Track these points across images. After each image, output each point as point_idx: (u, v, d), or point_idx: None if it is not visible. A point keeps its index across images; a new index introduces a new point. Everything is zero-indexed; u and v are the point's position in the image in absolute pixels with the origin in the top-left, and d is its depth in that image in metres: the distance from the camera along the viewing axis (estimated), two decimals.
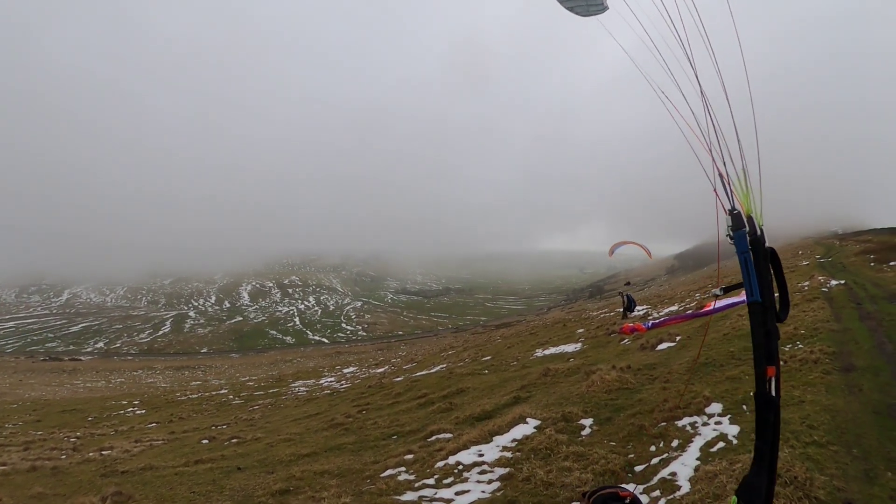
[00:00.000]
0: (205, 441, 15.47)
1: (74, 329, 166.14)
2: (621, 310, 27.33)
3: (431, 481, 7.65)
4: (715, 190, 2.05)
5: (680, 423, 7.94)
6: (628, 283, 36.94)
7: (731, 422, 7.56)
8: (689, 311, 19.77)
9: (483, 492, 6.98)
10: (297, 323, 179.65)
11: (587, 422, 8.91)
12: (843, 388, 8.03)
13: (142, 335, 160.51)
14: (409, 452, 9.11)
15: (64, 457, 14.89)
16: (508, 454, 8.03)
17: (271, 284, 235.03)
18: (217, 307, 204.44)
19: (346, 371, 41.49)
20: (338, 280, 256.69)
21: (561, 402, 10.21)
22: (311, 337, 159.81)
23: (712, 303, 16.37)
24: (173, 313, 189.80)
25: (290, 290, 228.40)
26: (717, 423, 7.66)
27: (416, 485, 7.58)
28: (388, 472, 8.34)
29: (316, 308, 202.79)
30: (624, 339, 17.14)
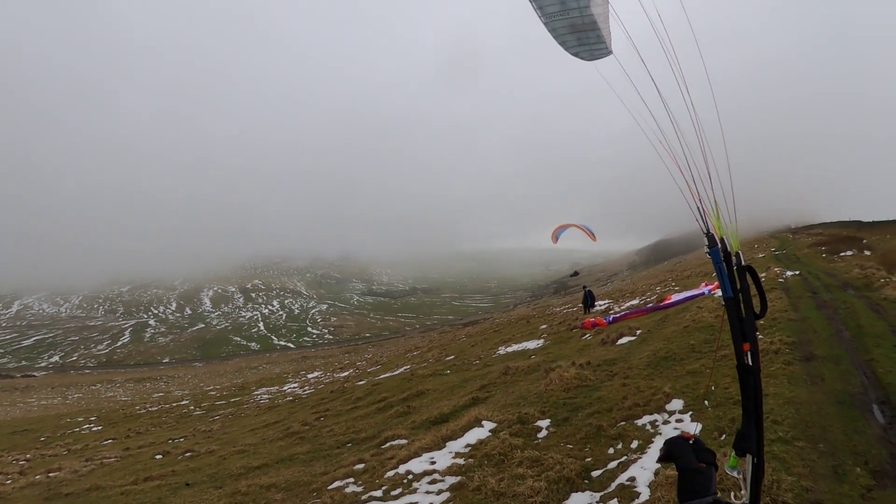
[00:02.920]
0: (159, 456, 15.05)
1: (26, 343, 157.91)
2: (581, 305, 27.38)
3: (379, 493, 7.32)
4: (697, 219, 2.61)
5: (640, 422, 7.70)
6: (576, 274, 36.96)
7: (693, 419, 7.36)
8: (650, 305, 19.93)
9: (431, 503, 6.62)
10: (262, 328, 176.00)
11: (544, 423, 8.68)
12: (805, 379, 7.94)
13: (100, 346, 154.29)
14: (361, 461, 8.83)
15: (9, 481, 14.25)
16: (461, 461, 7.75)
17: (234, 289, 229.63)
18: (178, 314, 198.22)
19: (310, 376, 40.63)
20: (302, 283, 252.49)
21: (519, 403, 10.03)
22: (276, 342, 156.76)
23: (672, 296, 16.05)
24: (132, 322, 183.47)
25: (253, 295, 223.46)
26: (678, 420, 7.45)
27: (363, 497, 7.30)
28: (336, 483, 8.05)
29: (281, 312, 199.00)
30: (585, 335, 17.12)
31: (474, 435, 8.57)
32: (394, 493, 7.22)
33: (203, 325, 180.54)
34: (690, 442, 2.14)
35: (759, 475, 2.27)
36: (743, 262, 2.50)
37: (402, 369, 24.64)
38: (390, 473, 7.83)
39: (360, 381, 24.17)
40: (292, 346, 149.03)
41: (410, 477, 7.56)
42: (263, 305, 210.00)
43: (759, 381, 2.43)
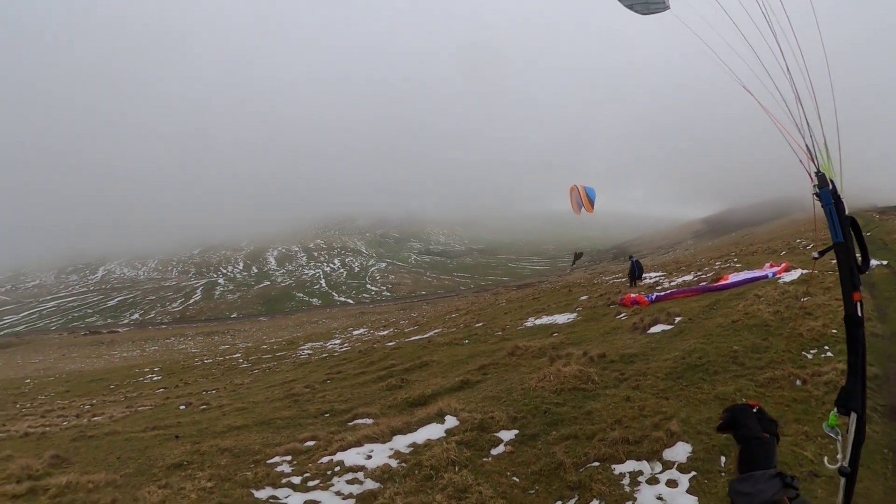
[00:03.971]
0: (182, 407, 15.98)
1: (111, 303, 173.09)
2: (626, 278, 26.02)
3: (298, 480, 7.12)
4: (801, 160, 2.47)
5: (618, 470, 6.10)
6: (578, 257, 31.15)
7: (691, 490, 5.53)
8: (703, 284, 18.49)
9: None
10: (323, 285, 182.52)
11: (507, 436, 7.53)
12: (888, 461, 5.49)
13: (174, 304, 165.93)
14: (314, 438, 8.67)
15: (65, 423, 15.41)
16: (393, 463, 7.16)
17: (297, 249, 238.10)
18: (245, 273, 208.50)
19: (354, 333, 41.74)
20: (363, 242, 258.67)
21: (499, 398, 9.11)
22: (336, 298, 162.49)
23: (730, 275, 14.90)
24: (203, 282, 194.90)
25: (315, 254, 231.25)
26: (671, 483, 5.70)
27: (283, 481, 7.09)
28: (276, 458, 7.94)
29: (341, 270, 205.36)
30: (621, 314, 16.04)
31: (427, 432, 7.92)
32: (310, 483, 6.98)
33: (268, 283, 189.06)
34: (755, 410, 2.08)
35: (861, 437, 2.18)
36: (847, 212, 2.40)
37: (430, 333, 24.85)
38: (325, 459, 7.53)
39: (390, 342, 24.54)
40: (351, 302, 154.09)
41: (337, 469, 7.19)
42: (325, 264, 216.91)
43: (863, 334, 2.32)
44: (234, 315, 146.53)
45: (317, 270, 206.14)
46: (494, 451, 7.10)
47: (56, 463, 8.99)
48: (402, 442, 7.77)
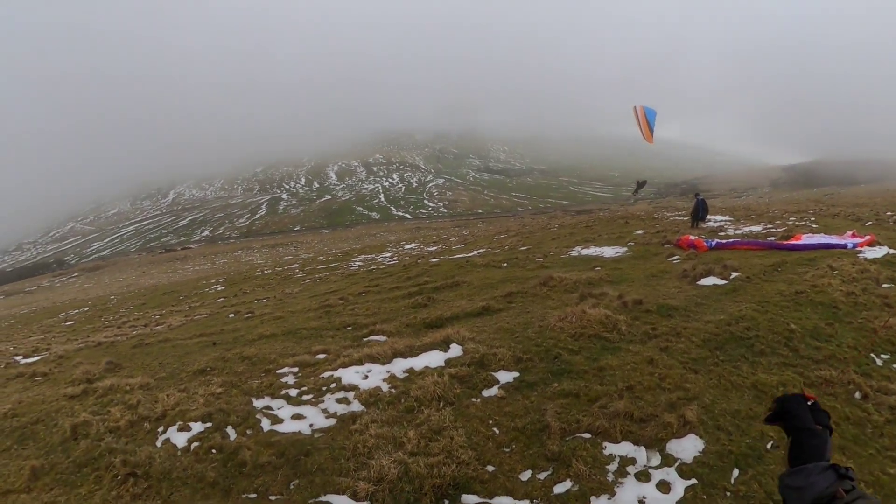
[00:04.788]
0: (231, 315, 17.05)
1: (182, 223, 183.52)
2: (689, 217, 24.34)
3: (294, 393, 7.36)
4: None
5: (608, 450, 5.37)
6: (641, 185, 26.95)
7: (690, 497, 4.77)
8: (771, 239, 16.70)
9: (309, 427, 6.40)
10: (382, 199, 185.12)
11: (505, 378, 7.02)
12: None
13: (241, 220, 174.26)
14: (325, 351, 8.92)
15: (134, 332, 16.86)
16: (385, 387, 7.09)
17: (357, 164, 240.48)
18: (307, 188, 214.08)
19: (406, 247, 42.44)
20: (421, 158, 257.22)
21: (512, 332, 8.61)
22: (395, 213, 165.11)
23: (803, 235, 13.17)
24: (267, 198, 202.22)
25: (374, 169, 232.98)
26: (662, 485, 4.91)
27: (282, 392, 7.37)
28: (285, 369, 8.28)
29: (400, 185, 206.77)
30: (674, 256, 14.91)
31: (427, 359, 7.75)
32: (304, 397, 7.15)
33: (329, 197, 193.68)
34: (809, 403, 1.96)
35: None
36: None
37: (474, 252, 24.81)
38: (325, 374, 7.70)
39: (434, 259, 24.74)
40: (409, 216, 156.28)
41: (333, 386, 7.30)
42: (384, 178, 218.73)
43: None
44: (297, 228, 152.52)
45: (376, 185, 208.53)
46: (486, 393, 6.73)
47: (110, 368, 10.07)
48: (400, 365, 7.71)
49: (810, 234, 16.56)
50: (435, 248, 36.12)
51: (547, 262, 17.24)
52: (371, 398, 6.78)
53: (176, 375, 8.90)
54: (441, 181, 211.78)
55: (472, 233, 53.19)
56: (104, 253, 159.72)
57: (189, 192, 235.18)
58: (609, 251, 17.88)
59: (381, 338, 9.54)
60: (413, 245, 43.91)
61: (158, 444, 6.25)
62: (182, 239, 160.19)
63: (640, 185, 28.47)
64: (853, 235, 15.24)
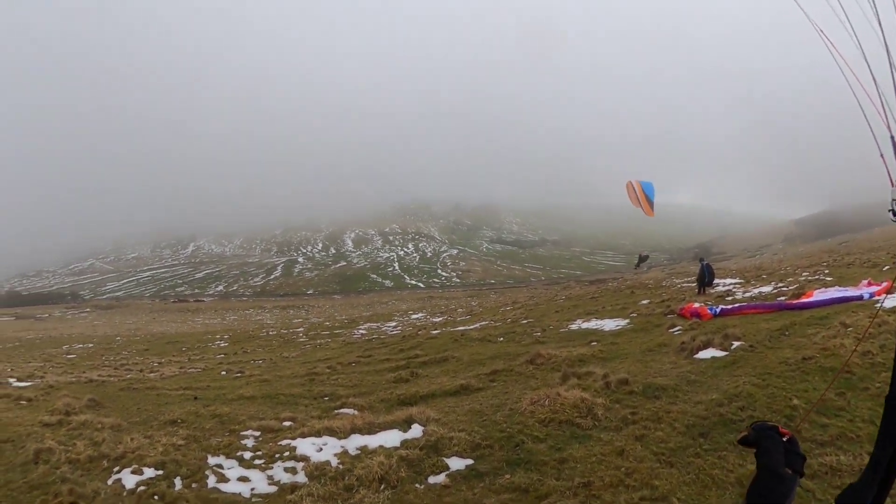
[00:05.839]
0: (223, 373, 17.49)
1: (199, 275, 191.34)
2: (695, 283, 23.80)
3: (248, 456, 7.53)
4: (882, 156, 1.97)
5: None
6: (643, 260, 25.54)
7: None
8: (781, 300, 15.81)
9: (249, 490, 6.49)
10: (396, 268, 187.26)
11: (455, 464, 6.67)
12: None
13: (256, 279, 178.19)
14: (293, 419, 9.02)
15: (128, 375, 17.63)
16: (334, 461, 7.02)
17: (373, 232, 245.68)
18: (323, 253, 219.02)
19: (412, 317, 42.22)
20: (436, 228, 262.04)
21: (480, 415, 8.31)
22: (408, 281, 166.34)
23: (815, 291, 12.11)
24: (284, 259, 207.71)
25: (390, 238, 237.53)
26: None
27: (237, 454, 7.53)
28: (248, 432, 8.47)
29: (414, 255, 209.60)
30: (676, 327, 14.16)
31: (384, 438, 7.61)
32: (255, 461, 7.31)
33: (344, 263, 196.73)
34: (784, 439, 1.73)
35: None
36: None
37: (475, 325, 24.70)
38: (284, 442, 7.79)
39: (435, 330, 24.58)
40: (422, 286, 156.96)
41: (286, 454, 7.40)
42: (399, 247, 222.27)
43: None
44: (311, 291, 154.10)
45: (391, 254, 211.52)
46: (431, 479, 6.39)
47: (91, 405, 10.78)
48: (356, 442, 7.61)
49: (823, 289, 15.50)
50: (440, 318, 35.91)
51: (544, 337, 16.86)
52: (317, 471, 6.75)
53: (148, 422, 9.37)
54: (455, 251, 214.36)
55: (481, 304, 52.92)
56: (119, 293, 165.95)
57: (208, 246, 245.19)
58: (610, 324, 17.39)
59: (351, 411, 9.52)
60: (420, 315, 43.71)
61: (109, 481, 6.57)
62: (196, 291, 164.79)
63: (643, 259, 28.10)
64: (869, 284, 14.41)
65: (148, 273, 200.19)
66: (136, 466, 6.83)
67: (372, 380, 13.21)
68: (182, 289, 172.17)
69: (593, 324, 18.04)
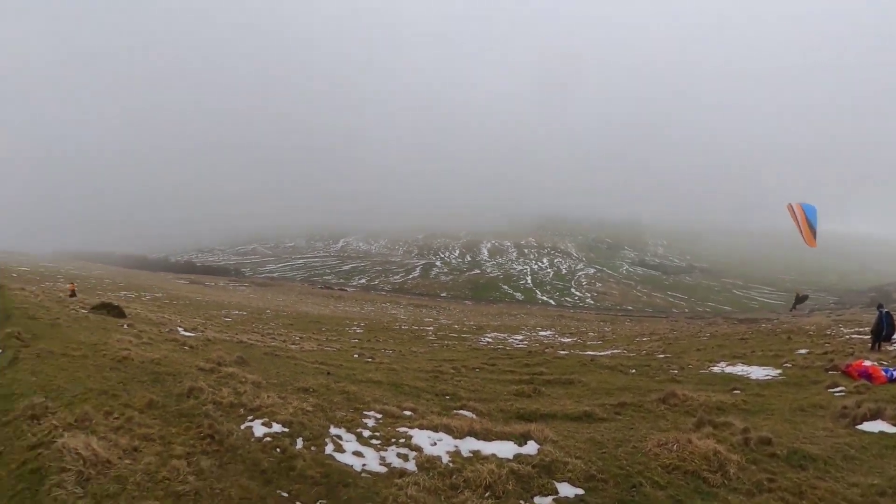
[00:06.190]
0: (355, 356, 19.15)
1: (345, 268, 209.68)
2: (869, 335, 20.23)
3: (367, 434, 7.90)
4: None
5: None
6: (801, 300, 21.28)
7: None
8: None
9: (361, 465, 6.80)
10: (529, 282, 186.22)
11: (564, 491, 6.33)
12: None
13: (395, 277, 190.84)
14: (413, 410, 9.57)
15: (273, 343, 20.35)
16: (445, 459, 7.07)
17: (509, 244, 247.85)
18: (459, 260, 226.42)
19: (540, 333, 41.92)
20: (573, 244, 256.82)
21: (600, 446, 7.83)
22: (539, 297, 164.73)
23: None
24: (422, 262, 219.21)
25: (525, 251, 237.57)
26: None
27: (356, 430, 8.07)
28: (371, 412, 9.08)
29: (548, 270, 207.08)
30: (839, 387, 12.01)
31: (498, 448, 7.49)
32: (372, 441, 7.69)
33: (478, 271, 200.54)
34: None
35: None
36: None
37: (607, 351, 23.92)
38: (401, 429, 8.16)
39: (563, 350, 24.29)
40: (553, 303, 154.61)
41: (402, 441, 7.65)
42: (534, 261, 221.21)
43: None
44: (444, 294, 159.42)
45: (525, 267, 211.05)
46: (537, 500, 6.20)
47: (238, 361, 12.52)
48: (470, 444, 7.68)
49: None
50: (569, 339, 35.25)
51: (680, 376, 15.49)
52: (427, 464, 6.89)
53: (284, 385, 10.51)
54: (591, 271, 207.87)
55: (615, 330, 50.70)
56: (274, 275, 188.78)
57: (356, 243, 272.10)
58: (758, 372, 15.62)
59: (470, 414, 9.74)
60: (548, 332, 43.19)
61: (242, 426, 7.43)
62: (341, 281, 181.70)
63: (800, 299, 24.83)
64: None
65: (301, 261, 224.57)
66: (267, 420, 7.71)
67: (493, 388, 13.40)
68: (329, 277, 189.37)
69: (739, 369, 16.46)
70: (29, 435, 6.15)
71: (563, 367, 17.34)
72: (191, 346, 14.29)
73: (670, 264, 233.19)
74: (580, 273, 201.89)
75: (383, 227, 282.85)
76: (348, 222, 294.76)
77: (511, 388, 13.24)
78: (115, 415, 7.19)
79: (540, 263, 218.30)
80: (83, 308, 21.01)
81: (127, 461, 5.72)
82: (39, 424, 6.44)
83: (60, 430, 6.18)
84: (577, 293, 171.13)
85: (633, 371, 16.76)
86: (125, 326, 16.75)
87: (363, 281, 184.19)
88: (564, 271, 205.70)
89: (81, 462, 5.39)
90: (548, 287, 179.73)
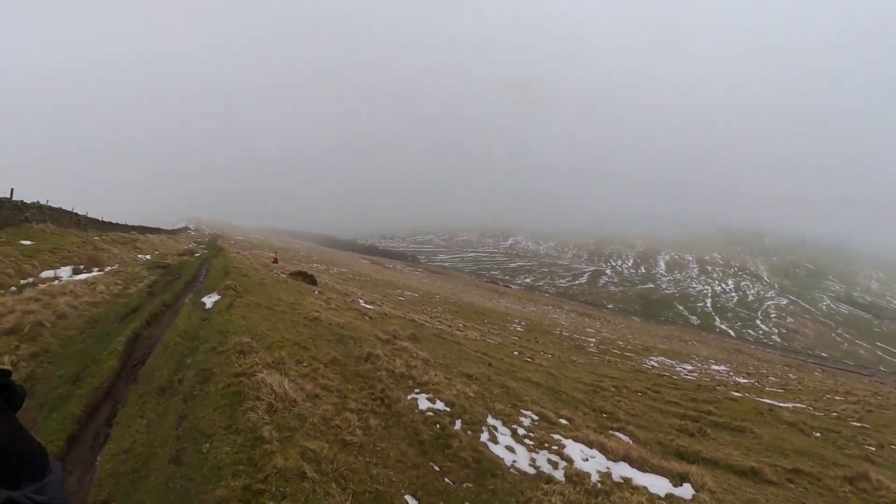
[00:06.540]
0: (515, 353, 19.84)
1: (512, 266, 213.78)
2: None
3: (522, 432, 8.24)
4: None
5: None
6: None
7: None
8: None
9: (511, 460, 6.94)
10: (708, 305, 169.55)
11: None
12: None
13: (561, 280, 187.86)
14: (569, 419, 9.67)
15: (440, 326, 21.92)
16: (595, 477, 7.02)
17: (690, 258, 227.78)
18: (632, 271, 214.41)
19: (712, 367, 38.55)
20: (766, 267, 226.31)
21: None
22: (717, 324, 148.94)
23: None
24: (592, 269, 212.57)
25: (708, 268, 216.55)
26: None
27: (512, 426, 8.40)
28: (527, 412, 9.40)
29: (732, 294, 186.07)
30: None
31: (651, 481, 7.29)
32: (525, 440, 7.84)
33: (652, 286, 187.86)
34: None
35: None
36: None
37: (789, 403, 21.07)
38: (555, 436, 8.31)
39: (736, 392, 22.07)
40: (732, 333, 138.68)
41: (554, 448, 7.81)
42: (717, 282, 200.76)
43: None
44: (611, 306, 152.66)
45: (705, 287, 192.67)
46: None
47: (411, 337, 13.91)
48: (622, 470, 7.60)
49: None
50: (745, 380, 31.75)
51: (878, 456, 12.94)
52: (576, 477, 6.94)
53: (449, 367, 11.36)
54: (783, 301, 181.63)
55: (801, 379, 44.00)
56: (445, 264, 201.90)
57: (525, 242, 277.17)
58: None
59: (626, 438, 9.57)
60: (722, 367, 39.48)
61: (408, 397, 8.27)
62: (507, 277, 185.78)
63: None
64: None
65: (471, 254, 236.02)
66: (432, 396, 8.47)
67: (655, 417, 12.92)
68: (495, 273, 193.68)
69: None
70: (236, 365, 7.55)
71: (735, 412, 15.85)
72: (370, 317, 16.03)
73: (886, 306, 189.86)
74: (769, 303, 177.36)
75: (553, 228, 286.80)
76: (519, 220, 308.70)
77: (674, 422, 12.66)
78: (304, 364, 8.47)
79: (723, 285, 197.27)
80: (283, 273, 24.68)
81: (308, 404, 6.72)
82: (244, 358, 7.87)
83: (260, 367, 7.48)
84: (763, 326, 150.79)
85: (818, 435, 14.59)
86: (316, 292, 19.30)
87: (528, 280, 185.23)
88: (751, 298, 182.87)
89: (273, 396, 6.51)
90: (729, 314, 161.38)
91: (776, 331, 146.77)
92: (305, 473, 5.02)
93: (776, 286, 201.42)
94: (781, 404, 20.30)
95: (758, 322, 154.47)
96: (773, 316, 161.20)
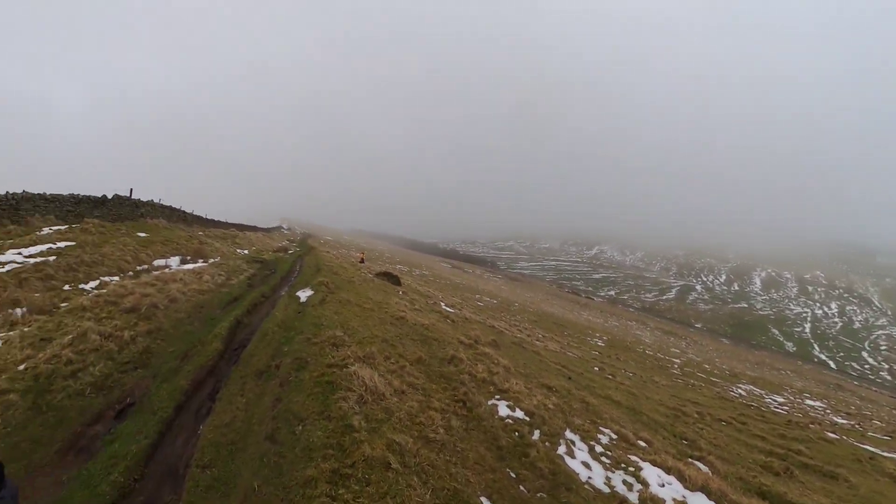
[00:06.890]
0: (595, 369, 19.59)
1: (596, 276, 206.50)
2: None
3: (600, 449, 8.28)
4: None
5: None
6: None
7: None
8: None
9: (587, 476, 7.03)
10: (806, 331, 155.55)
11: None
12: None
13: (647, 294, 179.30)
14: (648, 442, 9.57)
15: (520, 335, 21.90)
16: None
17: (789, 276, 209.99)
18: (724, 287, 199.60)
19: (807, 402, 35.77)
20: (877, 290, 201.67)
21: None
22: (816, 353, 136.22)
23: None
24: (681, 283, 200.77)
25: (809, 289, 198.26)
26: None
27: (590, 442, 8.46)
28: (606, 430, 9.37)
29: (836, 319, 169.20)
30: None
31: None
32: (603, 458, 7.90)
33: (745, 305, 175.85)
34: None
35: None
36: None
37: (895, 454, 19.18)
38: (633, 458, 8.35)
39: (833, 433, 20.37)
40: (832, 365, 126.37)
41: (630, 468, 7.86)
42: (818, 304, 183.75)
43: None
44: (699, 325, 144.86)
45: (805, 310, 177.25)
46: None
47: (492, 343, 14.04)
48: (699, 502, 7.53)
49: None
50: (844, 420, 29.09)
51: None
52: (650, 502, 7.02)
53: (529, 377, 11.51)
54: None
55: None
56: (525, 272, 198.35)
57: (611, 252, 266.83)
58: None
59: (706, 469, 9.32)
60: (818, 403, 36.40)
61: (489, 402, 8.59)
62: (589, 289, 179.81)
63: None
64: None
65: (553, 262, 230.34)
66: (512, 404, 8.68)
67: (738, 450, 12.33)
68: (577, 283, 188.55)
69: None
70: (329, 356, 8.17)
71: (829, 455, 14.66)
72: (452, 321, 16.42)
73: None
74: (879, 332, 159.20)
75: (641, 239, 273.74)
76: (604, 229, 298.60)
77: (758, 457, 12.03)
78: (392, 360, 8.98)
79: (826, 308, 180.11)
80: (369, 273, 25.68)
81: (395, 399, 7.18)
82: (337, 351, 8.48)
83: (352, 360, 8.04)
84: (870, 360, 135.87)
85: None
86: (400, 293, 20.00)
87: (612, 293, 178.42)
88: (857, 325, 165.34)
89: (364, 388, 7.02)
90: (830, 342, 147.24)
91: (886, 366, 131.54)
92: (390, 464, 5.41)
93: (889, 313, 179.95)
94: (885, 454, 18.49)
95: (864, 354, 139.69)
96: (883, 348, 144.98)
